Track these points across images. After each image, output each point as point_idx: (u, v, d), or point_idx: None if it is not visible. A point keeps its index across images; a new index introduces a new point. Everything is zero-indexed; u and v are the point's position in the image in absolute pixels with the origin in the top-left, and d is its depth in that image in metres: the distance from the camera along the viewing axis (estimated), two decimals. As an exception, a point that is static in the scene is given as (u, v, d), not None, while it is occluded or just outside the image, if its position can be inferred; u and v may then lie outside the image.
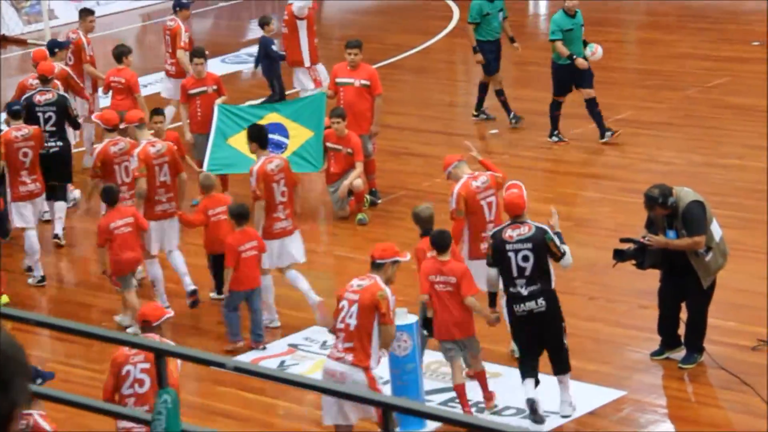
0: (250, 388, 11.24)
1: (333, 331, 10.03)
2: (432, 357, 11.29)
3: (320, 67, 17.36)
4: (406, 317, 10.60)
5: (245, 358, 11.68)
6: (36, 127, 14.05)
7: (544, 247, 10.31)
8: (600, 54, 16.27)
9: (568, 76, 16.34)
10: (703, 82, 18.36)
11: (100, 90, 16.62)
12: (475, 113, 17.64)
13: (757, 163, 15.54)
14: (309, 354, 11.96)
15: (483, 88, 17.46)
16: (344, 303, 9.84)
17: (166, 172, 12.96)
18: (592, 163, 16.38)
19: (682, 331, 11.24)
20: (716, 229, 10.89)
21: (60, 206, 14.59)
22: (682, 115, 17.21)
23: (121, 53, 16.19)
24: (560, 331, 10.46)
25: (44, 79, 14.96)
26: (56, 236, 14.55)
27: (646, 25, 21.85)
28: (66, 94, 15.17)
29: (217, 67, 19.00)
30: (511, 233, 10.44)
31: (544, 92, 17.22)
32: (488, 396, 10.66)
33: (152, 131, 14.06)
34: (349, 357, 9.69)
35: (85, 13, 17.33)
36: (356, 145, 14.70)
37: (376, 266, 9.93)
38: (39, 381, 9.15)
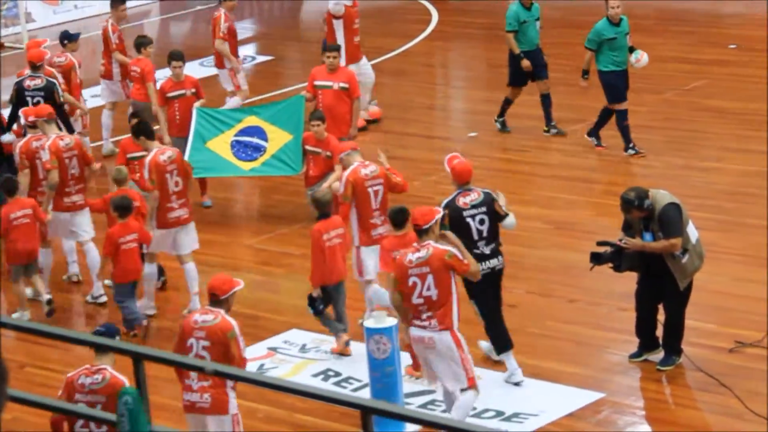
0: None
1: (403, 317, 10.25)
2: (411, 360, 11.28)
3: (363, 63, 17.21)
4: (384, 320, 10.60)
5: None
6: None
7: (493, 209, 11.06)
8: (645, 61, 15.95)
9: (623, 82, 15.92)
10: (682, 85, 18.41)
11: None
12: (546, 129, 16.86)
13: (735, 165, 15.59)
14: (288, 357, 11.94)
15: (506, 102, 16.90)
16: (414, 280, 10.08)
17: (75, 165, 13.25)
18: (571, 166, 16.40)
19: (660, 333, 11.26)
20: (692, 232, 10.91)
21: None
22: (661, 118, 17.25)
23: (140, 44, 16.55)
24: None
25: (33, 66, 15.33)
26: None
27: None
28: (54, 81, 15.44)
29: (195, 70, 18.98)
30: (464, 200, 11.14)
31: (521, 95, 17.24)
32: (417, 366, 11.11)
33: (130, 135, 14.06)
34: (434, 323, 10.12)
35: (117, 2, 17.54)
36: (335, 147, 14.68)
37: (424, 232, 10.30)
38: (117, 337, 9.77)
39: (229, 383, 9.50)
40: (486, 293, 11.06)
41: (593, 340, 11.72)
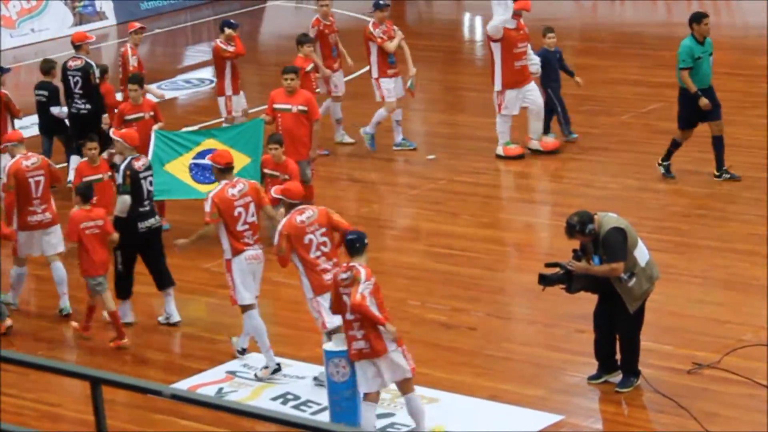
0: (187, 416, 11.16)
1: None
2: (370, 383, 11.28)
3: (530, 88, 16.79)
4: (344, 343, 10.58)
5: (182, 386, 11.60)
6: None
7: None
8: None
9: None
10: (638, 108, 18.55)
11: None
12: (718, 174, 15.66)
13: (691, 187, 15.71)
14: (247, 381, 11.90)
15: (674, 145, 15.83)
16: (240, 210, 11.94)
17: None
18: (528, 189, 16.48)
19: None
20: (642, 254, 10.93)
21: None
22: (617, 141, 17.37)
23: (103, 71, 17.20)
24: (163, 247, 13.14)
25: (75, 47, 16.91)
26: None
27: (581, 51, 22.03)
28: (91, 62, 16.72)
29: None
30: (138, 164, 12.97)
31: (478, 117, 17.32)
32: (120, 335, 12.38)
33: (86, 158, 14.09)
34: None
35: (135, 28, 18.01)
36: (293, 171, 14.68)
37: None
38: None
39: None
40: (132, 251, 12.99)
41: (552, 362, 11.75)
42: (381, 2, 17.59)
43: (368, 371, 10.25)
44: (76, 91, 16.58)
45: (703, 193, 15.49)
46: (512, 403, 11.03)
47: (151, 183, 13.26)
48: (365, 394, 10.34)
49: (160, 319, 13.04)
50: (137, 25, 18.11)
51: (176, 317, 12.97)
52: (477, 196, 16.34)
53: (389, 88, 17.36)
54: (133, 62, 17.51)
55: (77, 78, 16.58)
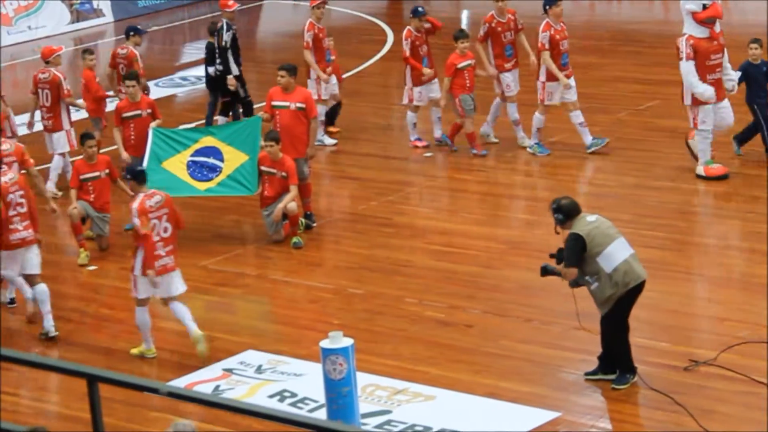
0: (183, 414, 11.14)
1: None
2: (367, 380, 11.30)
3: (723, 105, 15.58)
4: (341, 340, 10.59)
5: (179, 383, 11.60)
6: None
7: None
8: None
9: None
10: (635, 105, 18.55)
11: None
12: None
13: (688, 185, 15.71)
14: (244, 378, 11.90)
15: None
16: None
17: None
18: (526, 186, 16.48)
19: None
20: (610, 261, 10.83)
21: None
22: (614, 138, 17.36)
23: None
24: None
25: (131, 31, 17.61)
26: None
27: (580, 49, 22.00)
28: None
29: (151, 90, 18.92)
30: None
31: (477, 115, 17.31)
32: None
33: (84, 155, 14.06)
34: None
35: (132, 30, 18.03)
36: (290, 168, 14.70)
37: None
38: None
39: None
40: None
41: (549, 360, 11.75)
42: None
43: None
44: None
45: (701, 191, 15.50)
46: (510, 400, 11.04)
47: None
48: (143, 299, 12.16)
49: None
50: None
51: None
52: (474, 193, 16.35)
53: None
54: (141, 64, 17.53)
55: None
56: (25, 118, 17.51)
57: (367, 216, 15.63)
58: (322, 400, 10.79)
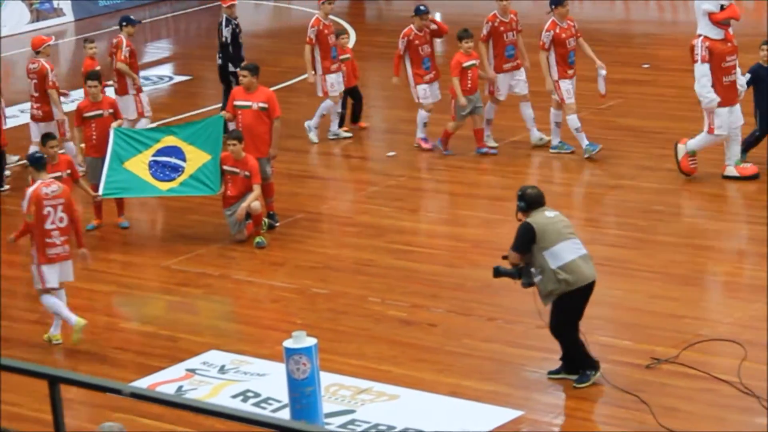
0: (147, 414, 11.12)
1: None
2: (331, 380, 11.29)
3: (735, 108, 15.40)
4: (304, 340, 10.59)
5: (142, 384, 11.56)
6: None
7: None
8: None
9: None
10: (596, 104, 18.62)
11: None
12: None
13: (649, 183, 15.79)
14: (207, 379, 11.87)
15: None
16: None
17: None
18: (487, 185, 16.51)
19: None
20: (556, 258, 10.85)
21: None
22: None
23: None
24: None
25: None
26: None
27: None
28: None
29: (112, 90, 18.85)
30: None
31: (438, 114, 17.33)
32: None
33: (46, 155, 13.98)
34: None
35: (125, 21, 18.02)
36: (253, 167, 14.67)
37: None
38: None
39: None
40: None
41: (512, 358, 11.79)
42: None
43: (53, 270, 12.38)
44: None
45: (661, 189, 15.58)
46: (473, 399, 11.06)
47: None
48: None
49: None
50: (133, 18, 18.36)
51: None
52: (437, 192, 16.37)
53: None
54: (125, 53, 17.52)
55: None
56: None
57: (330, 215, 15.63)
58: (286, 399, 10.78)
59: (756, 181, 15.35)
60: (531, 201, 11.10)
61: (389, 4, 27.06)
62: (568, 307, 10.99)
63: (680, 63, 18.92)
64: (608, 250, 13.73)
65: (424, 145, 17.40)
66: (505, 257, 11.27)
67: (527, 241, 10.96)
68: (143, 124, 17.51)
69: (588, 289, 10.99)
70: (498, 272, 11.27)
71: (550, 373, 11.35)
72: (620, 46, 21.38)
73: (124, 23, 17.92)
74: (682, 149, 15.61)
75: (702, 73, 15.18)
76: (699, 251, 13.80)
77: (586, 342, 11.16)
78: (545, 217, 11.04)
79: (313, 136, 18.08)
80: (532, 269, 11.02)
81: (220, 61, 18.42)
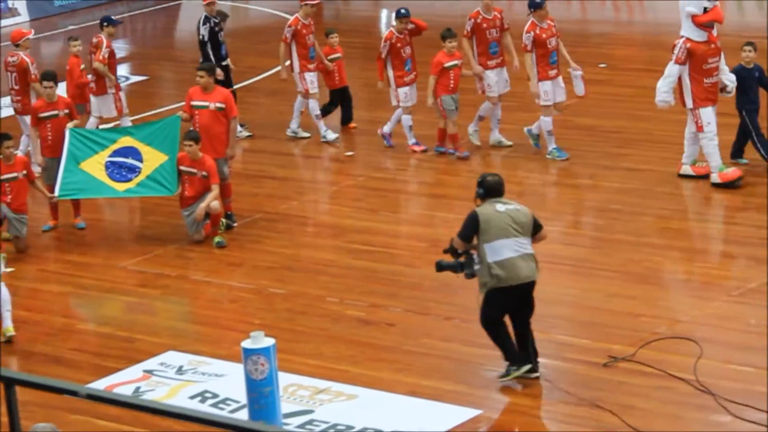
0: (104, 416, 11.07)
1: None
2: (289, 380, 11.28)
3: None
4: (262, 340, 10.56)
5: (99, 385, 11.50)
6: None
7: None
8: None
9: None
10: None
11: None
12: None
13: (607, 183, 15.87)
14: (164, 380, 11.83)
15: None
16: None
17: None
18: (446, 185, 16.54)
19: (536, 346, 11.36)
20: (496, 252, 10.85)
21: None
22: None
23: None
24: None
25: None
26: None
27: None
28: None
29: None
30: None
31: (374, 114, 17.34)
32: None
33: (1, 156, 13.90)
34: None
35: (106, 21, 17.87)
36: (211, 167, 14.64)
37: None
38: None
39: None
40: None
41: (470, 357, 11.81)
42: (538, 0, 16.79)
43: None
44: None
45: (619, 188, 15.66)
46: (431, 398, 11.07)
47: None
48: None
49: None
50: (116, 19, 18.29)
51: None
52: (395, 192, 16.39)
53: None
54: (105, 53, 17.42)
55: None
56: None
57: (288, 215, 15.61)
58: (244, 400, 10.76)
59: (708, 180, 15.43)
60: (488, 188, 11.15)
61: (347, 4, 27.04)
62: (495, 302, 10.99)
63: (636, 62, 19.06)
64: (566, 249, 13.79)
65: (417, 149, 17.34)
66: (446, 251, 11.29)
67: (470, 230, 11.02)
68: (126, 122, 17.47)
69: (522, 289, 10.96)
70: (440, 266, 11.31)
71: (501, 376, 11.32)
72: (577, 46, 21.44)
73: (105, 23, 17.76)
74: (687, 169, 15.58)
75: (671, 72, 15.22)
76: (656, 250, 13.88)
77: (532, 339, 11.12)
78: (494, 209, 11.05)
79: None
80: (474, 256, 11.07)
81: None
